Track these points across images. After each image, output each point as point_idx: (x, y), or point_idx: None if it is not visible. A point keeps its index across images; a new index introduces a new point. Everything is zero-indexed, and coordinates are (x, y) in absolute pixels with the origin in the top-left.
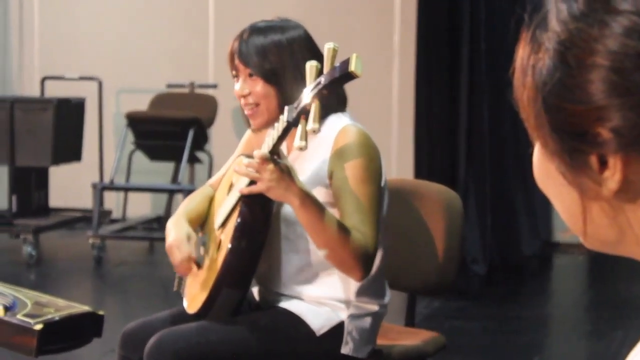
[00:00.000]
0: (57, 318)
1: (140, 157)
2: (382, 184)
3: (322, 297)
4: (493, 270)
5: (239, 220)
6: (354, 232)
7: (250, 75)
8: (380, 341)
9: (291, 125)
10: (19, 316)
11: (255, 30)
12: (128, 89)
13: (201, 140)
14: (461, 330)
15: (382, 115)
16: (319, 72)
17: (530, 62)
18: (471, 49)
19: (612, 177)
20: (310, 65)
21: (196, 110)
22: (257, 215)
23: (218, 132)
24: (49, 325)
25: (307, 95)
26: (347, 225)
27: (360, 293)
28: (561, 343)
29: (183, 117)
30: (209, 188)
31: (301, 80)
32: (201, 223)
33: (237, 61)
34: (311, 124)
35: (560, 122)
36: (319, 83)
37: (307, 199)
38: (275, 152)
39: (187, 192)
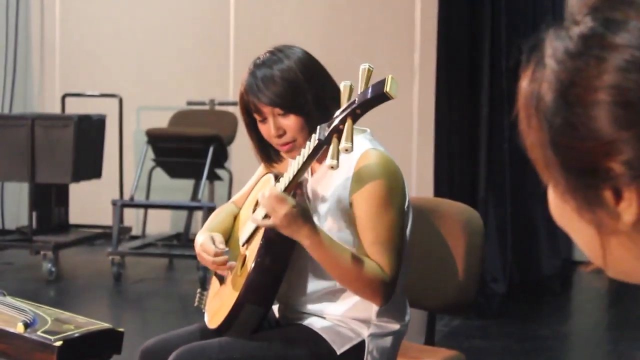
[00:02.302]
0: (76, 335)
1: (160, 174)
2: (405, 206)
3: (344, 316)
4: (513, 289)
5: (264, 238)
6: (369, 264)
7: (281, 113)
8: (400, 359)
9: (323, 144)
10: (39, 332)
11: (259, 66)
12: (148, 106)
13: (221, 158)
14: (481, 350)
15: (403, 133)
16: (352, 92)
17: (532, 103)
18: (492, 66)
19: (628, 209)
20: (344, 85)
21: (216, 128)
22: (282, 234)
23: (238, 150)
24: (69, 341)
25: (340, 114)
26: (365, 257)
27: (381, 313)
28: None
29: (203, 134)
30: (233, 205)
31: (321, 102)
32: (225, 239)
33: (260, 105)
34: (344, 143)
35: (570, 161)
36: (352, 102)
37: (315, 240)
38: (291, 190)
39: (207, 209)
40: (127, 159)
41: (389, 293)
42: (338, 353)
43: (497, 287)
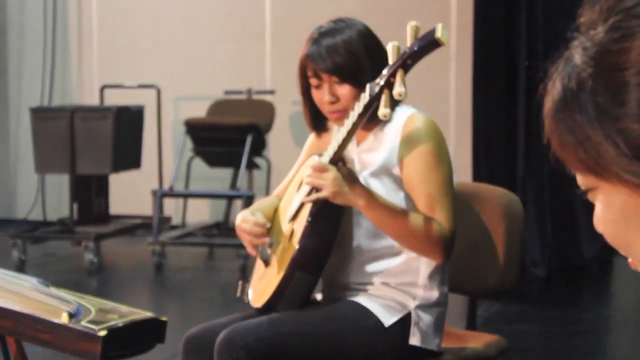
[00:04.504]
0: (120, 324)
1: (199, 164)
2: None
3: (390, 283)
4: (553, 273)
5: (314, 205)
6: (426, 219)
7: (337, 82)
8: (443, 344)
9: (374, 100)
10: (83, 323)
11: (323, 35)
12: (186, 96)
13: (259, 146)
14: (521, 334)
15: (440, 119)
16: (399, 52)
17: (571, 105)
18: (529, 49)
19: None
20: (393, 46)
21: (254, 116)
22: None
23: (276, 138)
24: (113, 331)
25: (390, 69)
26: (421, 214)
27: (426, 278)
28: (623, 346)
29: (241, 123)
30: (275, 197)
31: (376, 75)
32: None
33: (319, 71)
34: (397, 88)
35: (633, 149)
36: (403, 54)
37: (371, 199)
38: (337, 159)
39: (246, 198)
40: (165, 149)
41: (448, 248)
42: (386, 326)
43: (537, 272)
